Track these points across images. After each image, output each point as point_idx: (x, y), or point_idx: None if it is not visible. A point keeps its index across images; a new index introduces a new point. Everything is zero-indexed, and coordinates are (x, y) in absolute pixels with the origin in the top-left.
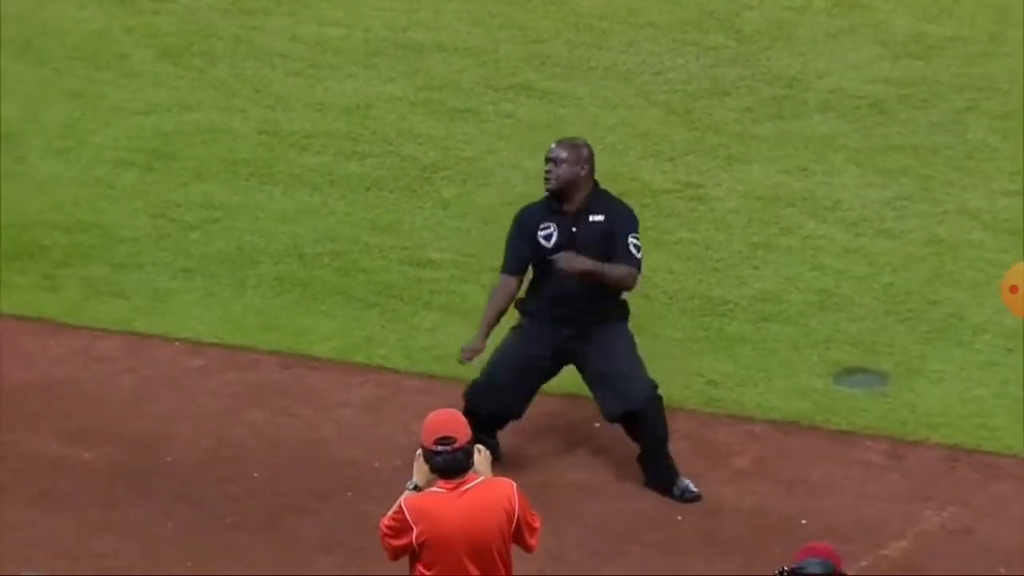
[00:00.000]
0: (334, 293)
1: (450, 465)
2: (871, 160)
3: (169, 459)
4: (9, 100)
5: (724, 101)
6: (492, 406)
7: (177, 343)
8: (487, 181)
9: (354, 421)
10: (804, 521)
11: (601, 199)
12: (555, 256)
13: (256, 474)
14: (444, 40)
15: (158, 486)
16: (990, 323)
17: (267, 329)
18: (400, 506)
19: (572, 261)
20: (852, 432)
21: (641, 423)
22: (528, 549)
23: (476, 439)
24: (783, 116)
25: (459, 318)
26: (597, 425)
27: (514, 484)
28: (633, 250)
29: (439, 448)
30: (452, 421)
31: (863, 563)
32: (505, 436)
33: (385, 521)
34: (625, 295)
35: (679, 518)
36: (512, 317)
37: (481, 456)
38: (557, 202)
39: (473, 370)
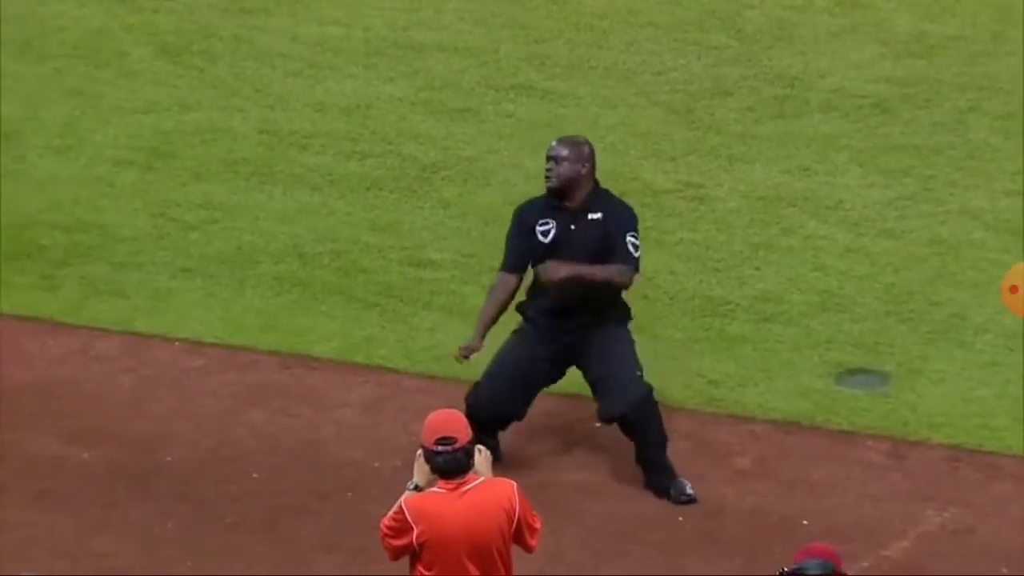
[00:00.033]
0: (334, 293)
1: (451, 465)
2: (873, 160)
3: (169, 459)
4: (8, 99)
5: (725, 101)
6: (493, 409)
7: (177, 343)
8: (487, 181)
9: (354, 421)
10: (805, 521)
11: (601, 198)
12: (537, 267)
13: (256, 474)
14: (444, 40)
15: (158, 486)
16: (992, 323)
17: (267, 329)
18: (400, 506)
19: (553, 270)
20: (853, 432)
21: (634, 426)
22: (528, 549)
23: (476, 439)
24: (784, 116)
25: (459, 318)
26: (597, 425)
27: (514, 484)
28: (631, 248)
29: (440, 448)
30: (453, 421)
31: (864, 563)
32: (505, 436)
33: (385, 521)
34: (626, 295)
35: (680, 518)
36: (513, 318)
37: (482, 456)
38: (558, 199)
39: (473, 370)
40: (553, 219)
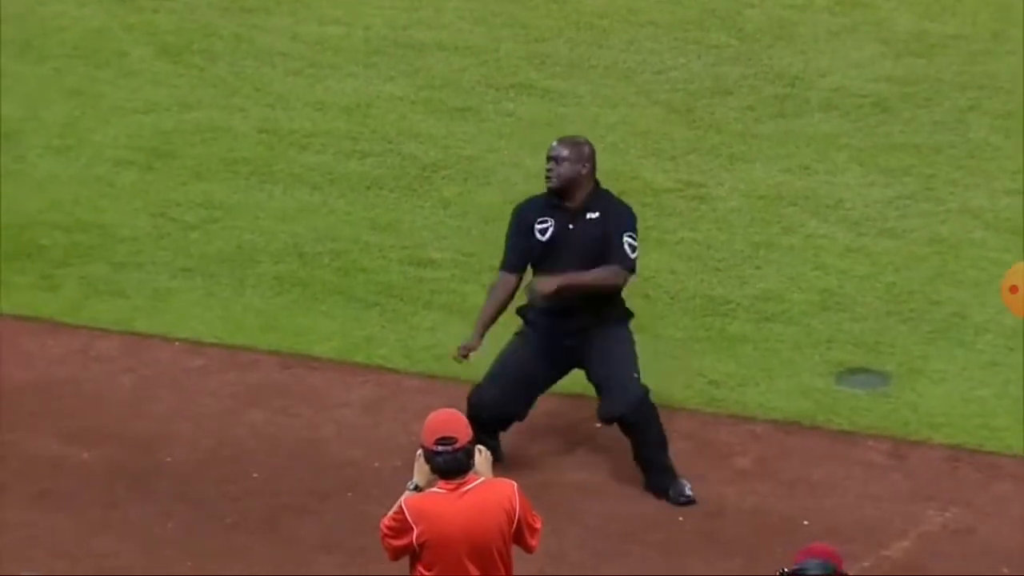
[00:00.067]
0: (334, 293)
1: (451, 465)
2: (873, 159)
3: (169, 459)
4: (8, 99)
5: (726, 100)
6: (495, 410)
7: (177, 343)
8: (488, 180)
9: (354, 421)
10: (806, 521)
11: (601, 198)
12: (526, 288)
13: (256, 474)
14: (445, 39)
15: (158, 486)
16: (992, 323)
17: (267, 329)
18: (400, 506)
19: (542, 286)
20: (854, 432)
21: (632, 427)
22: (529, 550)
23: (477, 440)
24: (785, 115)
25: (459, 318)
26: (598, 425)
27: (515, 485)
28: (627, 249)
29: (440, 448)
30: (453, 421)
31: (865, 563)
32: (506, 436)
33: (385, 521)
34: (626, 295)
35: (680, 519)
36: (514, 318)
37: (482, 456)
38: (558, 198)
39: (474, 370)
40: (552, 218)
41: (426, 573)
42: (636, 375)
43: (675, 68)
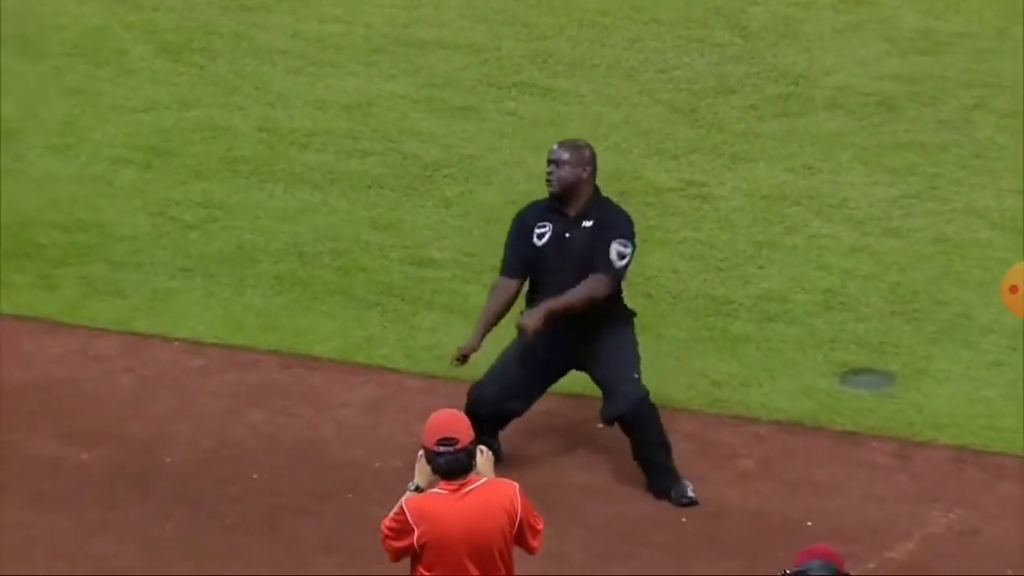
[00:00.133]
0: (335, 292)
1: (452, 466)
2: (878, 158)
3: (168, 460)
4: (7, 97)
5: (729, 99)
6: (494, 406)
7: (177, 343)
8: (489, 179)
9: (355, 421)
10: (809, 522)
11: (600, 205)
12: (517, 325)
13: (256, 475)
14: (446, 37)
15: (157, 487)
16: (997, 323)
17: (267, 329)
18: (401, 507)
19: (528, 321)
20: (858, 433)
21: (632, 427)
22: (530, 551)
23: (478, 440)
24: (789, 114)
25: (461, 318)
26: (600, 426)
27: (516, 485)
28: (614, 256)
29: (441, 449)
30: (454, 422)
31: (869, 565)
32: (507, 437)
33: (386, 522)
34: (628, 295)
35: (683, 519)
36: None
37: (483, 457)
38: (558, 203)
39: (475, 371)
40: (550, 223)
41: (427, 574)
42: (637, 375)
43: (678, 67)
